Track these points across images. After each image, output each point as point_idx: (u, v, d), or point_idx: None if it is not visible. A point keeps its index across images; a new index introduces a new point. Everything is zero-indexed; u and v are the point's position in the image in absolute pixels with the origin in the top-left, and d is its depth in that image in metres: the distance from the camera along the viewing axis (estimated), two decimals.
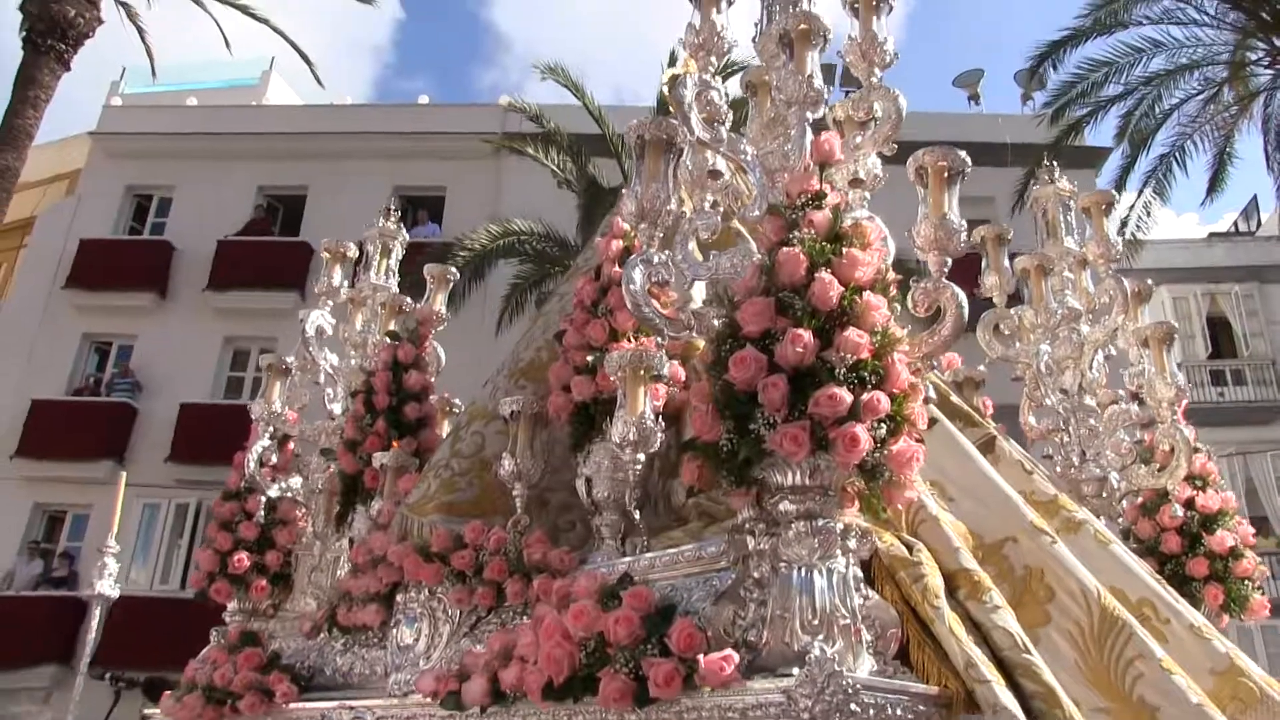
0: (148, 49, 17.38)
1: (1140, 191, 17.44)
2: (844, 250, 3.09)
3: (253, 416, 5.69)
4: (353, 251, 6.27)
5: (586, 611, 3.03)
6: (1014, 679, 2.92)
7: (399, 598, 4.36)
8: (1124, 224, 17.63)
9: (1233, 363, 24.64)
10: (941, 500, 3.62)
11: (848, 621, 2.81)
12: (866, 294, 3.04)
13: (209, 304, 21.39)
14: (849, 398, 2.84)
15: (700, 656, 2.74)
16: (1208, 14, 15.74)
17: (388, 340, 5.66)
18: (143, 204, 23.72)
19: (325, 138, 22.92)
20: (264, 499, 5.61)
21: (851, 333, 2.93)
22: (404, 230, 6.57)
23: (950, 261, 3.54)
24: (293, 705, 4.47)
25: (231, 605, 5.61)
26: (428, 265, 6.20)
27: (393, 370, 5.43)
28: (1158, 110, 16.79)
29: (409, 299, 6.11)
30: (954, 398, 4.57)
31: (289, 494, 5.67)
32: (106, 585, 9.76)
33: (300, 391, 5.94)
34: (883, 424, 2.91)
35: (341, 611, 4.63)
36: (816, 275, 3.01)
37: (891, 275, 3.23)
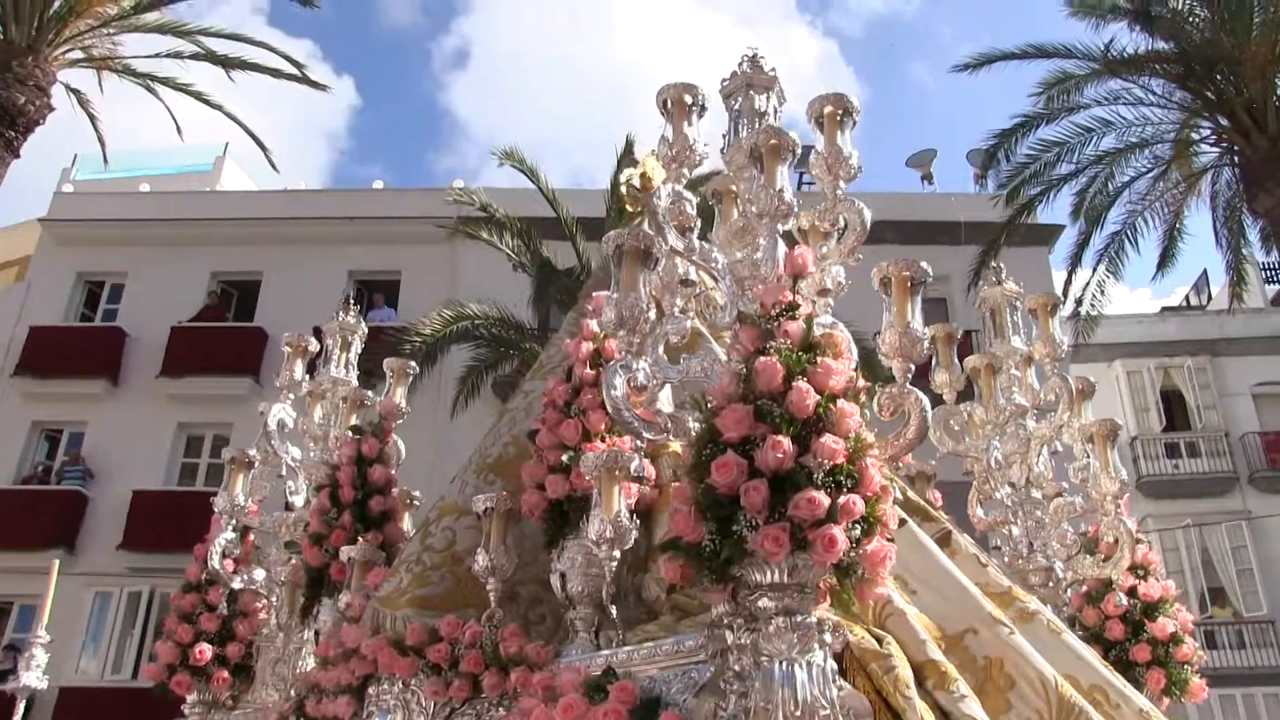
0: (99, 135, 17.43)
1: (1094, 269, 17.94)
2: (818, 360, 3.28)
3: (216, 509, 5.73)
4: (314, 345, 6.37)
5: (575, 705, 3.14)
6: None
7: (371, 690, 4.41)
8: (1079, 301, 18.11)
9: (1187, 435, 25.21)
10: (904, 593, 3.79)
11: (827, 712, 2.95)
12: (840, 401, 3.22)
13: (162, 390, 21.27)
14: (827, 501, 3.01)
15: None
16: (1154, 93, 16.34)
17: (350, 434, 5.75)
18: (94, 290, 23.68)
19: (279, 223, 23.06)
20: (225, 591, 5.63)
21: (828, 439, 3.10)
22: (361, 322, 6.68)
23: (913, 368, 3.79)
24: None
25: (191, 697, 5.60)
26: (388, 360, 6.32)
27: (357, 464, 5.51)
28: (1110, 188, 17.34)
29: (370, 393, 6.21)
30: (910, 493, 4.77)
31: (251, 586, 5.69)
32: (34, 678, 9.52)
33: (260, 484, 5.98)
34: (857, 525, 3.08)
35: (310, 703, 4.65)
36: (794, 384, 3.19)
37: (862, 382, 3.42)
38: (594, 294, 4.84)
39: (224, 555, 5.60)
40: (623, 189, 6.37)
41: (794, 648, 3.03)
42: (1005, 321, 5.66)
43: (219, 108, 17.47)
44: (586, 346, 4.52)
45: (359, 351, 6.50)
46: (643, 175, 6.30)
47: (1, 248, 24.14)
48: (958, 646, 3.67)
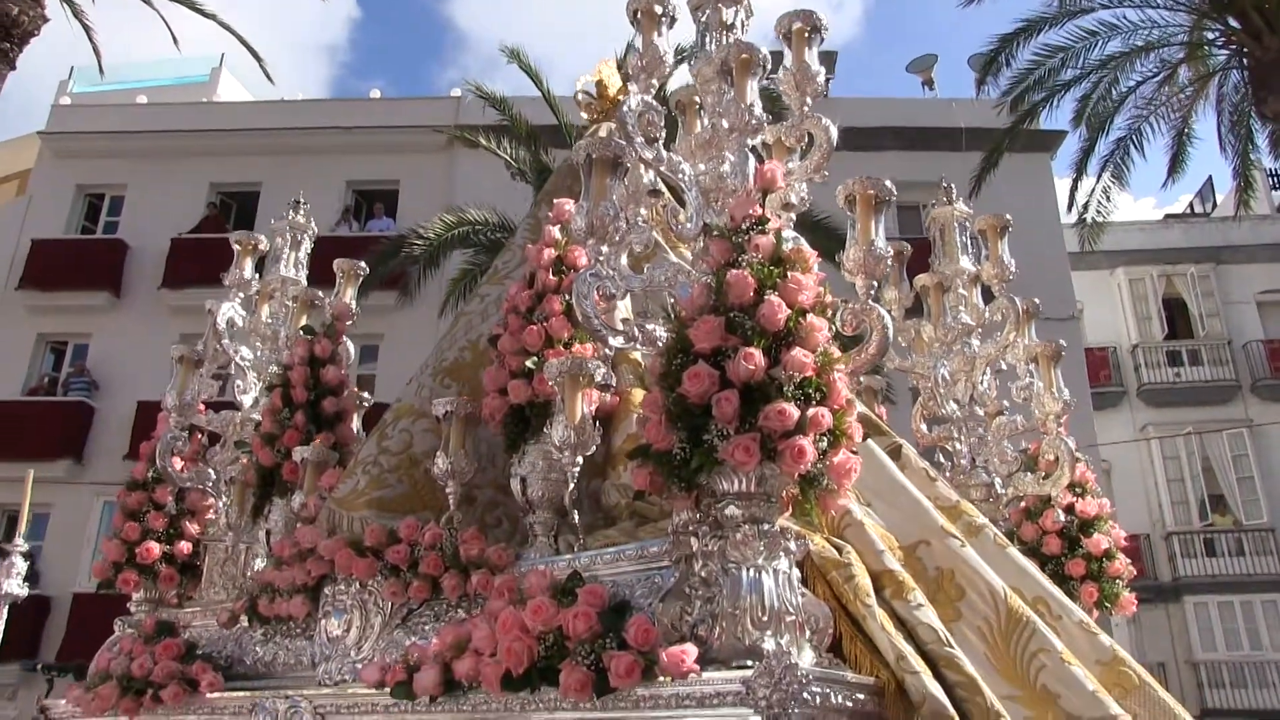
0: (95, 47, 16.85)
1: (1099, 176, 17.75)
2: (789, 274, 3.32)
3: (164, 406, 5.67)
4: (264, 244, 6.27)
5: (545, 607, 3.20)
6: (938, 670, 3.21)
7: (326, 590, 4.44)
8: (1084, 208, 18.02)
9: (1189, 343, 25.40)
10: (858, 505, 3.89)
11: (794, 618, 3.06)
12: (810, 316, 3.27)
13: (164, 302, 21.20)
14: (796, 413, 3.07)
15: (660, 650, 2.94)
16: None
17: (302, 334, 5.69)
18: (94, 203, 23.54)
19: (277, 134, 22.84)
20: (174, 490, 5.60)
21: (798, 352, 3.16)
22: (312, 221, 6.57)
23: (876, 284, 3.85)
24: (221, 694, 4.51)
25: (137, 595, 5.59)
26: (337, 260, 6.23)
27: (310, 365, 5.48)
28: (1114, 93, 17.05)
29: (320, 293, 6.14)
30: (861, 406, 4.86)
31: (199, 485, 5.66)
32: (14, 585, 9.56)
33: (207, 383, 5.92)
34: (824, 437, 3.16)
35: (263, 603, 4.68)
36: (765, 297, 3.23)
37: (828, 298, 3.47)
38: (555, 201, 4.82)
39: (172, 453, 5.55)
40: (578, 97, 6.33)
41: (760, 555, 3.12)
42: (954, 240, 5.74)
43: (213, 17, 16.96)
44: (548, 253, 4.52)
45: (309, 252, 6.41)
46: (599, 83, 6.28)
47: (2, 161, 23.88)
48: (910, 558, 3.79)
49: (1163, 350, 25.23)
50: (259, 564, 5.63)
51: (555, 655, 3.14)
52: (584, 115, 6.27)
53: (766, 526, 3.15)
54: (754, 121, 3.84)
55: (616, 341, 3.61)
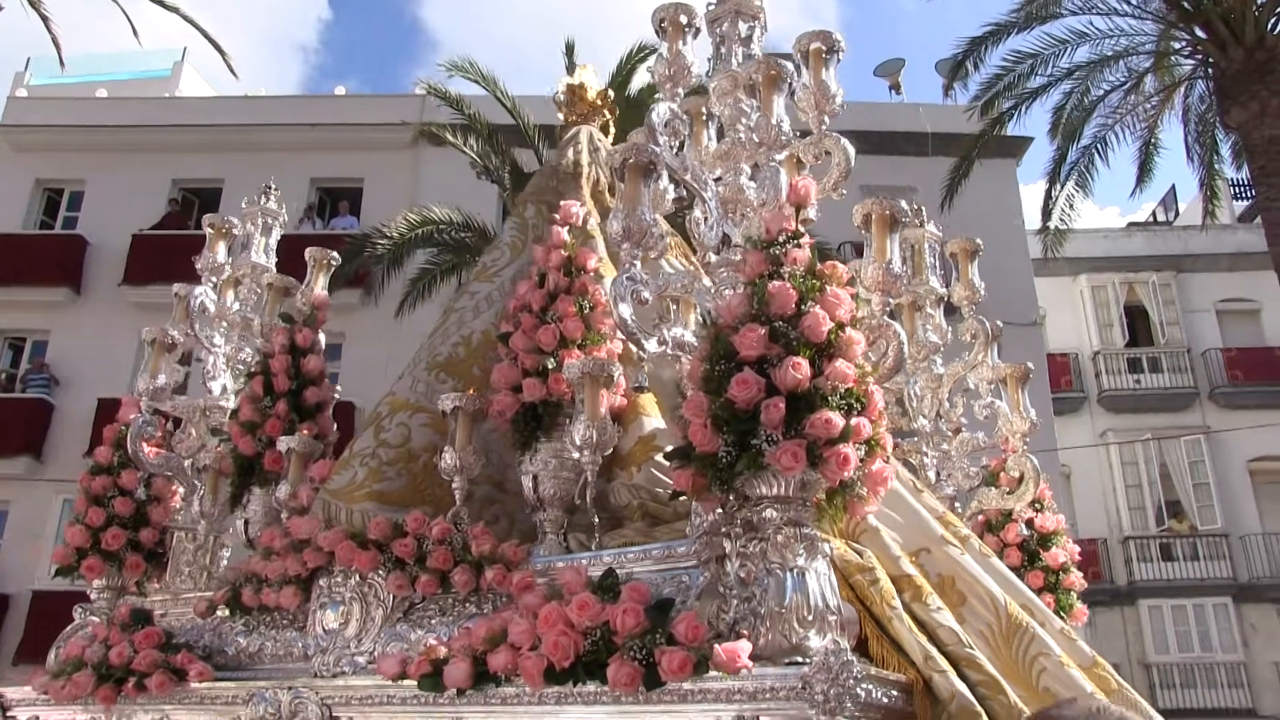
0: (53, 38, 16.08)
1: (1063, 184, 17.99)
2: (827, 289, 3.46)
3: (135, 391, 5.56)
4: (238, 229, 6.18)
5: (590, 603, 3.27)
6: (960, 670, 3.37)
7: (321, 582, 4.43)
8: (1048, 214, 18.29)
9: (1149, 350, 26.07)
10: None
11: (835, 617, 3.18)
12: (848, 329, 3.41)
13: (125, 298, 20.74)
14: (841, 422, 3.21)
15: (711, 645, 3.04)
16: (1129, 3, 16.16)
17: (281, 323, 5.64)
18: (53, 198, 23.01)
19: (240, 130, 22.40)
20: (144, 476, 5.50)
21: (840, 364, 3.29)
22: (283, 209, 6.51)
23: (891, 301, 4.02)
24: (212, 685, 4.45)
25: (98, 583, 5.47)
26: (309, 249, 6.17)
27: (291, 354, 5.44)
28: (1086, 101, 17.29)
29: (294, 280, 6.07)
30: None
31: (167, 472, 5.57)
32: None
33: (175, 369, 5.82)
34: (862, 446, 3.30)
35: (247, 593, 4.64)
36: (808, 309, 3.36)
37: (860, 313, 3.62)
38: (562, 204, 4.89)
39: (142, 438, 5.44)
40: (557, 97, 6.41)
41: (799, 556, 3.24)
42: (924, 262, 5.96)
43: (175, 9, 16.39)
44: (557, 254, 4.58)
45: (278, 239, 6.34)
46: (578, 86, 6.36)
47: None
48: (914, 565, 3.95)
49: (1123, 357, 25.98)
50: (226, 554, 5.58)
51: (602, 650, 3.21)
52: (560, 116, 6.37)
53: (806, 530, 3.28)
54: (783, 137, 3.97)
55: (651, 345, 3.70)
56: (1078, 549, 5.60)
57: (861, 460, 3.29)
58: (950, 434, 5.74)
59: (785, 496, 3.27)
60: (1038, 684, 3.62)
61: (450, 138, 16.97)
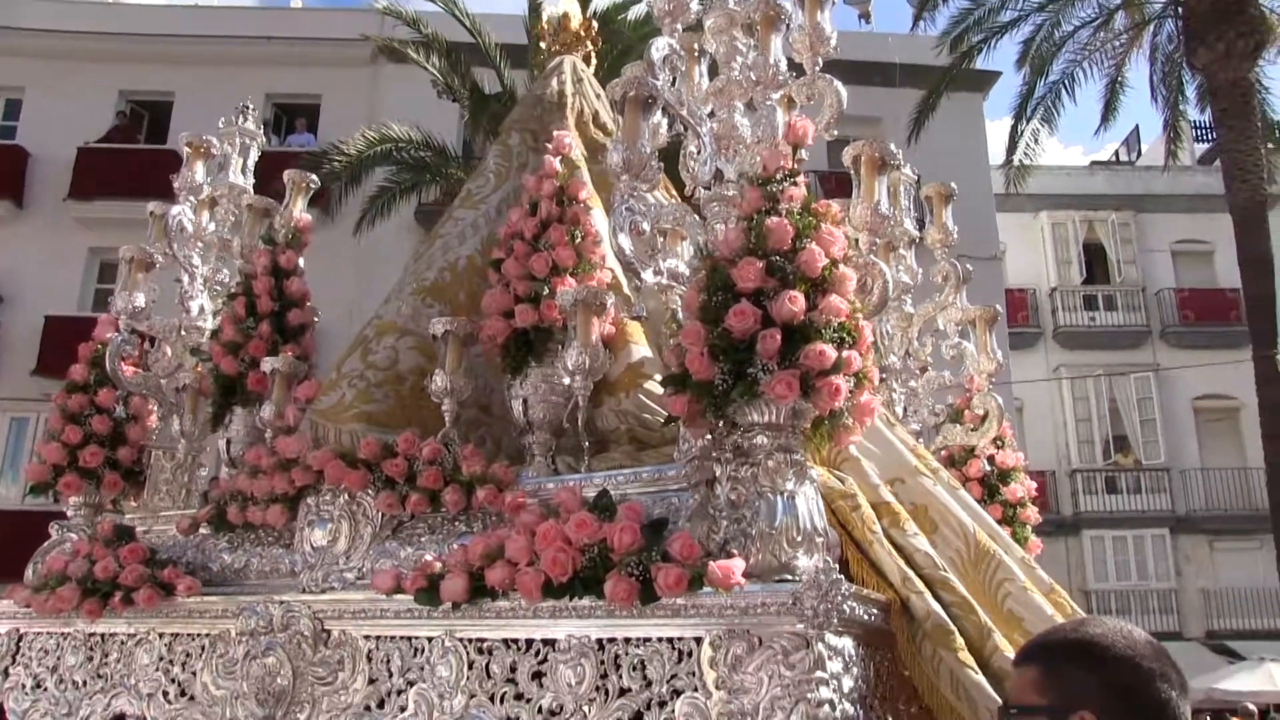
0: None
1: (1029, 119, 18.16)
2: (822, 226, 3.57)
3: (113, 310, 5.56)
4: (216, 149, 6.15)
5: (589, 523, 3.40)
6: (935, 592, 3.55)
7: (309, 500, 4.51)
8: (1013, 149, 18.44)
9: (1105, 288, 26.58)
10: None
11: (822, 539, 3.34)
12: (841, 266, 3.53)
13: (70, 213, 20.31)
14: (834, 354, 3.34)
15: (710, 563, 3.18)
16: None
17: (263, 245, 5.66)
18: None
19: (192, 41, 21.74)
20: (122, 394, 5.52)
21: (834, 299, 3.42)
22: (261, 131, 6.48)
23: (879, 241, 4.14)
24: (201, 599, 4.54)
25: (75, 500, 5.50)
26: (288, 171, 6.16)
27: (274, 276, 5.46)
28: (1055, 36, 17.43)
29: (274, 201, 6.07)
30: None
31: (144, 391, 5.59)
32: None
33: (151, 288, 5.82)
34: (852, 378, 3.44)
35: (233, 510, 4.71)
36: (805, 245, 3.48)
37: (851, 251, 3.74)
38: (555, 134, 4.94)
39: (121, 358, 5.45)
40: (544, 24, 6.43)
41: (789, 480, 3.39)
42: (900, 203, 6.08)
43: None
44: (549, 184, 4.65)
45: (256, 161, 6.33)
46: (563, 15, 6.39)
47: None
48: (890, 493, 4.12)
49: (1080, 294, 26.50)
50: (203, 473, 5.64)
51: (599, 566, 3.34)
52: (543, 45, 6.39)
53: (796, 456, 3.42)
54: (780, 76, 4.06)
55: (648, 275, 3.80)
56: (1034, 485, 5.82)
57: (851, 392, 3.44)
58: (918, 372, 5.92)
59: (777, 424, 3.40)
60: (1003, 606, 3.81)
61: (412, 54, 16.75)
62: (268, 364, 5.06)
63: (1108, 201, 27.14)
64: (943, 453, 5.84)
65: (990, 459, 5.65)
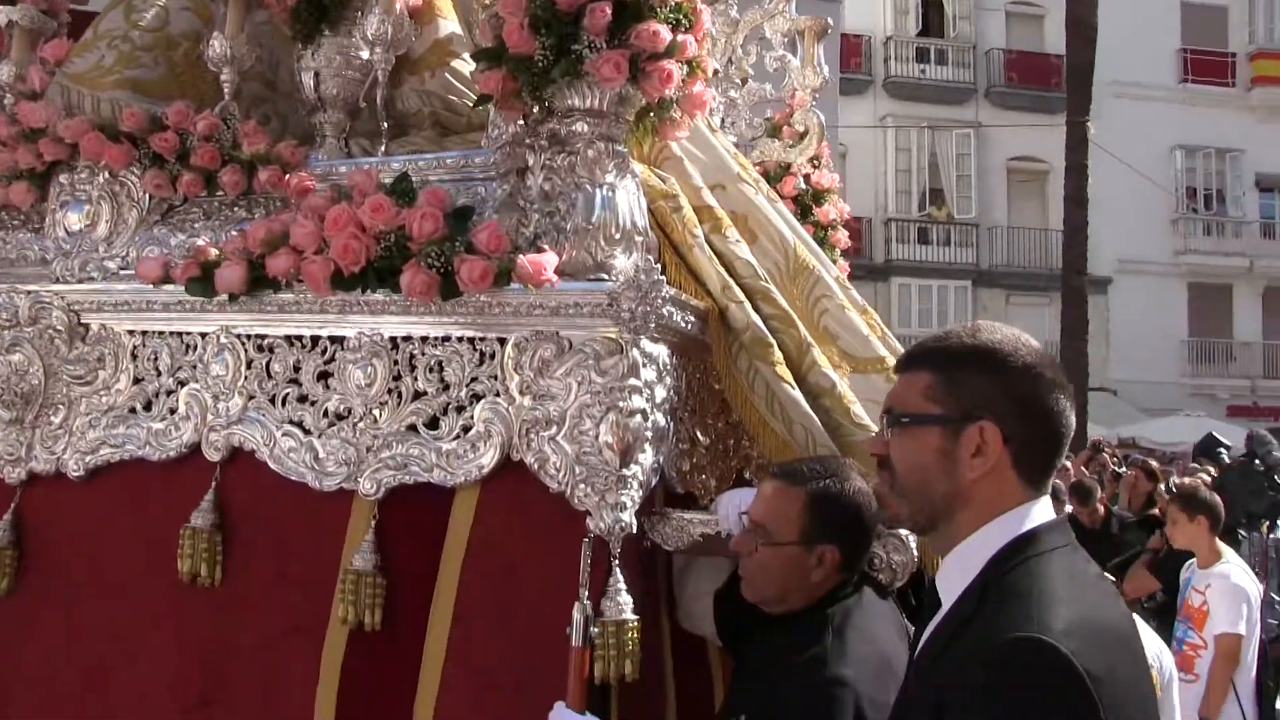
0: None
1: None
2: None
3: None
4: None
5: (386, 206, 3.05)
6: (754, 302, 3.40)
7: (63, 178, 3.95)
8: None
9: (939, 42, 26.52)
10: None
11: (642, 238, 3.10)
12: None
13: None
14: (669, 36, 3.01)
15: (519, 257, 2.91)
16: None
17: None
18: None
19: None
20: None
21: None
22: None
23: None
24: None
25: None
26: None
27: None
28: None
29: None
30: None
31: None
32: None
33: None
34: (685, 65, 3.13)
35: None
36: None
37: None
38: None
39: None
40: None
41: (609, 173, 3.10)
42: None
43: None
44: None
45: None
46: None
47: None
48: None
49: (913, 45, 26.62)
50: None
51: (396, 256, 3.02)
52: None
53: (619, 147, 3.13)
54: None
55: None
56: (848, 208, 5.74)
57: (683, 80, 3.13)
58: (739, 82, 5.64)
59: (599, 110, 3.08)
60: (819, 323, 3.71)
61: None
62: (3, 14, 4.33)
63: None
64: (758, 168, 5.65)
65: (806, 178, 5.51)
